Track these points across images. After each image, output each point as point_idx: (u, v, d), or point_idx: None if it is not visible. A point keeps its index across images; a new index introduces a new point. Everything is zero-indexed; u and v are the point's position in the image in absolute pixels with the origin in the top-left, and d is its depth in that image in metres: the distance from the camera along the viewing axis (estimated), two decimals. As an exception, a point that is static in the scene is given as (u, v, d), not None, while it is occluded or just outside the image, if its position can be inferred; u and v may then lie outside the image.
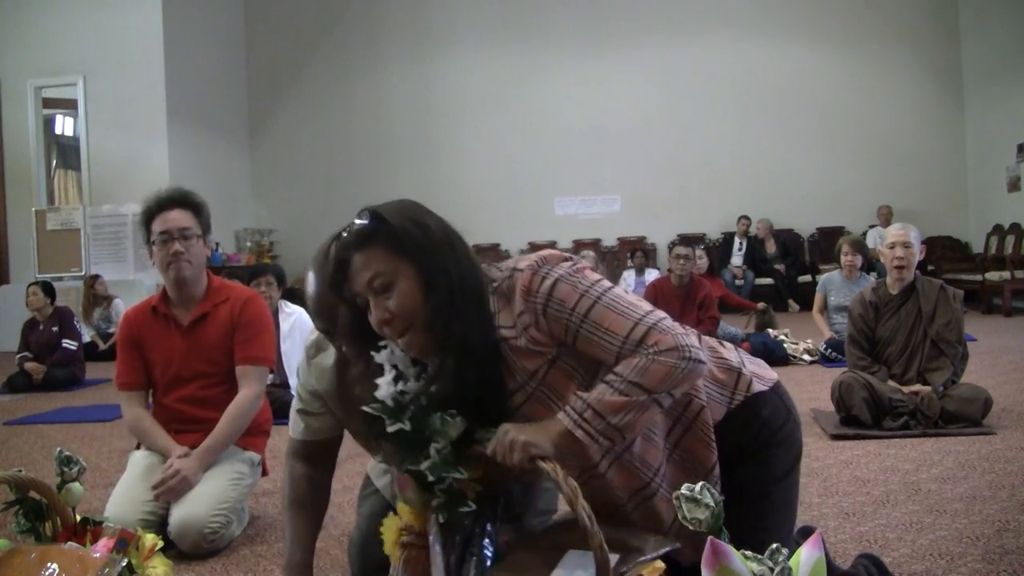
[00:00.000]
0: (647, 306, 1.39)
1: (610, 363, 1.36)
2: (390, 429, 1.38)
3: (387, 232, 1.38)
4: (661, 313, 1.38)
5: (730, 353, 1.59)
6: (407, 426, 1.38)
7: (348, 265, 1.40)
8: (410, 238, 1.38)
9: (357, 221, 1.41)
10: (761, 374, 1.58)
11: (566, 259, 1.42)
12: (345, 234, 1.41)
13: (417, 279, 1.38)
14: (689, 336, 1.36)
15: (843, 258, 5.71)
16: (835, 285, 5.72)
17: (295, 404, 1.87)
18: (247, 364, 2.54)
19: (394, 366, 1.42)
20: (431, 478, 1.37)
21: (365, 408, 1.41)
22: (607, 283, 1.41)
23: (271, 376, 4.09)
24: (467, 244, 1.48)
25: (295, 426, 1.87)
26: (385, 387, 1.40)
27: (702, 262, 8.57)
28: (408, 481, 1.43)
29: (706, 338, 1.58)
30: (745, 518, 1.42)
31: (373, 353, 1.42)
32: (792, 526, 1.55)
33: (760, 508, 1.51)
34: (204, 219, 2.54)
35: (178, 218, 2.48)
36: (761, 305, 6.85)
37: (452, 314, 1.37)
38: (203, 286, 2.59)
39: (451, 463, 1.38)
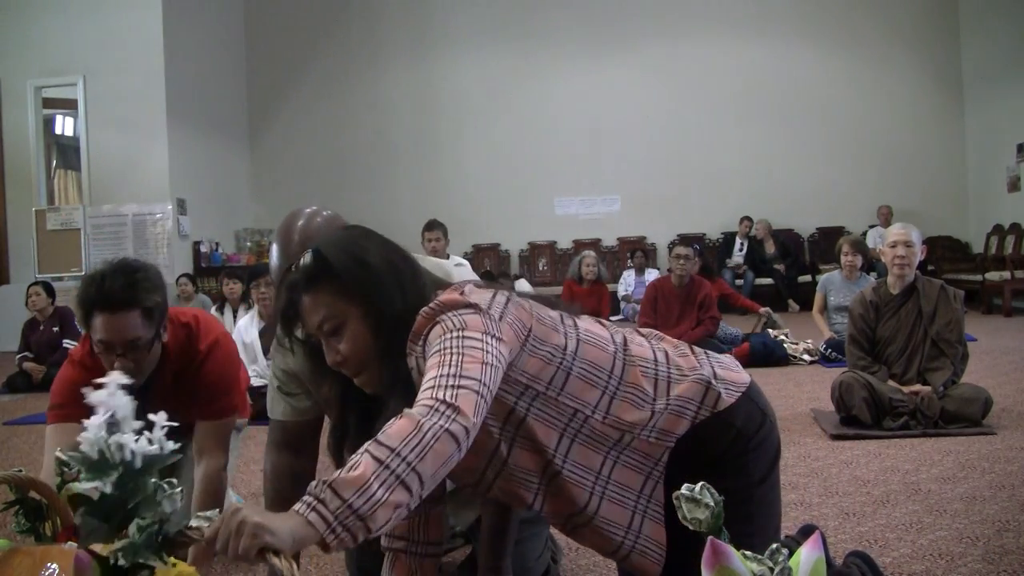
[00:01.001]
0: (476, 373, 1.19)
1: None
2: (82, 487, 1.09)
3: (331, 272, 1.34)
4: (474, 384, 1.18)
5: (700, 360, 1.50)
6: (108, 488, 1.09)
7: (298, 305, 1.36)
8: (353, 279, 1.33)
9: (303, 260, 1.36)
10: (732, 379, 1.49)
11: (468, 306, 1.29)
12: (293, 271, 1.37)
13: (365, 319, 1.33)
14: (465, 404, 1.15)
15: (843, 258, 5.71)
16: (835, 285, 5.72)
17: (273, 384, 1.83)
18: (208, 420, 2.09)
19: (111, 411, 1.15)
20: (122, 562, 1.07)
21: (58, 454, 1.16)
22: (480, 344, 1.23)
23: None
24: (414, 264, 1.41)
25: (276, 407, 1.82)
26: (93, 432, 1.11)
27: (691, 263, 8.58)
28: (88, 565, 1.08)
29: (672, 346, 1.52)
30: (729, 525, 1.39)
31: (87, 392, 1.18)
32: (778, 522, 1.51)
33: (745, 512, 1.43)
34: (158, 317, 1.96)
35: (123, 328, 1.88)
36: (764, 310, 6.85)
37: (400, 352, 1.31)
38: (154, 362, 2.05)
39: (156, 548, 1.09)
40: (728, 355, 1.59)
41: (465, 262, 6.15)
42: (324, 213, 1.81)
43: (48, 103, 9.79)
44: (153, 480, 1.11)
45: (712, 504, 1.11)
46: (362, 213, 12.52)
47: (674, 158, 11.00)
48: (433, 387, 1.17)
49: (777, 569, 1.06)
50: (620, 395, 1.39)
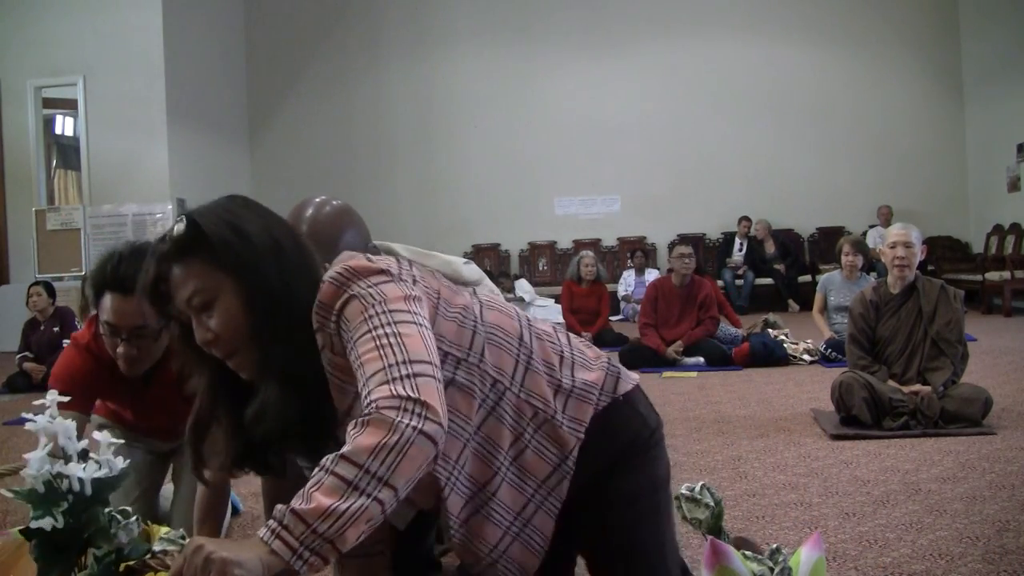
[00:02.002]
0: (424, 354, 1.13)
1: None
2: (34, 524, 1.04)
3: (205, 242, 1.22)
4: (428, 368, 1.11)
5: (598, 350, 1.45)
6: (59, 522, 1.04)
7: (167, 278, 1.24)
8: (228, 248, 1.21)
9: (176, 228, 1.24)
10: (626, 375, 1.45)
11: (380, 271, 1.21)
12: (163, 242, 1.25)
13: (239, 294, 1.21)
14: (431, 397, 1.08)
15: (844, 258, 5.71)
16: (835, 285, 5.72)
17: None
18: None
19: (51, 438, 1.10)
20: None
21: (8, 490, 1.09)
22: (408, 315, 1.17)
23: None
24: (303, 247, 1.30)
25: None
26: (35, 464, 1.06)
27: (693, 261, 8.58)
28: None
29: (574, 335, 1.46)
30: (644, 523, 1.34)
31: (29, 417, 1.14)
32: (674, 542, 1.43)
33: (654, 505, 1.38)
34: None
35: (133, 312, 1.87)
36: (768, 318, 6.85)
37: (273, 334, 1.20)
38: (159, 354, 2.04)
39: None
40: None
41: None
42: (334, 203, 1.74)
43: (48, 103, 9.79)
44: (107, 510, 1.05)
45: (712, 504, 1.11)
46: (362, 212, 12.53)
47: (674, 158, 11.00)
48: (388, 380, 1.08)
49: (777, 569, 1.06)
50: (532, 367, 1.33)
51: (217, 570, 0.97)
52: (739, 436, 3.57)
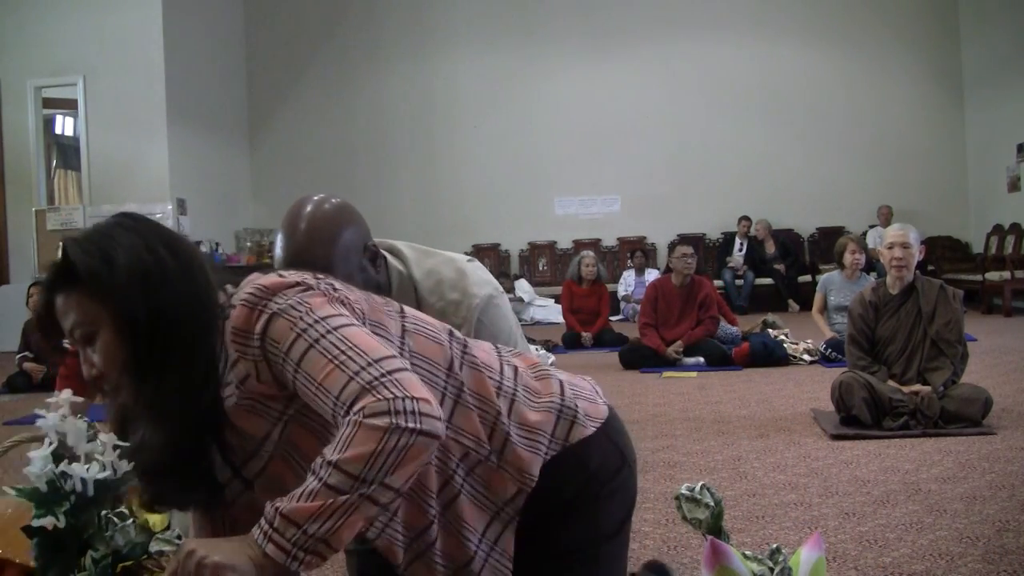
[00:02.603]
0: (383, 350, 1.07)
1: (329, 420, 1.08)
2: (36, 522, 1.05)
3: (76, 273, 1.12)
4: (397, 362, 1.06)
5: (554, 384, 1.30)
6: (61, 522, 1.04)
7: (52, 308, 1.15)
8: (95, 278, 1.10)
9: (59, 254, 1.15)
10: (590, 411, 1.30)
11: (296, 284, 1.12)
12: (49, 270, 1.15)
13: (116, 328, 1.11)
14: (418, 391, 1.02)
15: (849, 256, 5.70)
16: (835, 285, 5.72)
17: None
18: None
19: (60, 436, 1.09)
20: None
21: (11, 488, 1.09)
22: (344, 318, 1.10)
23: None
24: (192, 270, 1.15)
25: None
26: (39, 464, 1.06)
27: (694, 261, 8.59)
28: None
29: (527, 365, 1.33)
30: None
31: (39, 415, 1.10)
32: None
33: (589, 571, 1.28)
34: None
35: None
36: (767, 319, 6.85)
37: (144, 368, 1.10)
38: None
39: None
40: (588, 380, 1.39)
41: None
42: (333, 200, 1.69)
43: (48, 103, 9.79)
44: (104, 512, 1.04)
45: (712, 504, 1.12)
46: (362, 212, 12.54)
47: (674, 158, 11.01)
48: (366, 388, 1.01)
49: (777, 569, 1.06)
50: (462, 401, 1.20)
51: (211, 574, 0.95)
52: (739, 436, 3.57)
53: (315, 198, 1.68)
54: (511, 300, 9.99)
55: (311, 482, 1.00)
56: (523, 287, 10.35)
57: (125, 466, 1.10)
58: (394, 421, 0.99)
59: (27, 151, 9.57)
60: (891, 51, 10.79)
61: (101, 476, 1.07)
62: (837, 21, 10.86)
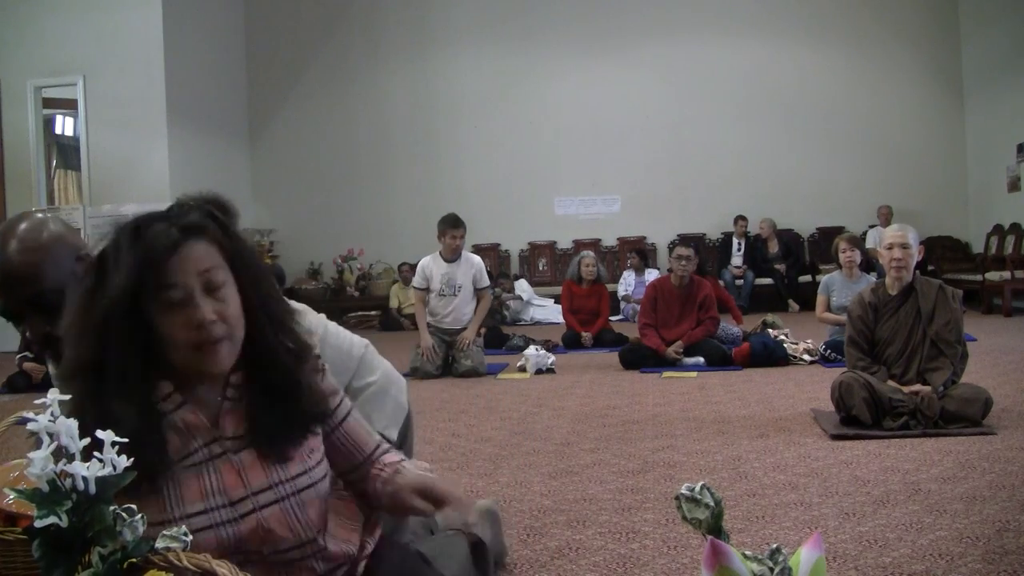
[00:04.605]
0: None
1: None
2: (40, 523, 1.03)
3: (223, 234, 1.30)
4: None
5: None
6: (63, 521, 1.03)
7: (175, 250, 1.25)
8: (243, 250, 1.32)
9: (191, 211, 1.31)
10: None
11: None
12: (169, 219, 1.30)
13: (236, 288, 1.30)
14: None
15: (841, 255, 5.72)
16: (836, 286, 5.72)
17: None
18: None
19: (53, 436, 1.08)
20: None
21: (11, 490, 1.11)
22: None
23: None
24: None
25: None
26: (40, 464, 1.05)
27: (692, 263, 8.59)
28: None
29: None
30: None
31: (28, 415, 1.13)
32: None
33: None
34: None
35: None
36: (767, 319, 6.85)
37: (276, 331, 1.32)
38: None
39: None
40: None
41: (478, 259, 6.10)
42: (45, 215, 1.75)
43: (48, 103, 9.79)
44: (112, 507, 1.05)
45: (712, 504, 1.11)
46: (362, 212, 12.56)
47: (674, 158, 11.01)
48: None
49: (777, 569, 1.06)
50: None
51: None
52: (739, 436, 3.57)
53: (27, 214, 1.76)
54: (512, 299, 10.01)
55: None
56: (522, 287, 10.35)
57: (124, 462, 1.10)
58: None
59: (27, 151, 9.56)
60: (891, 51, 10.79)
61: (102, 473, 1.07)
62: (837, 21, 10.86)
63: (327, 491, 1.35)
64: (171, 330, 1.23)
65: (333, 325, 2.13)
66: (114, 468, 1.09)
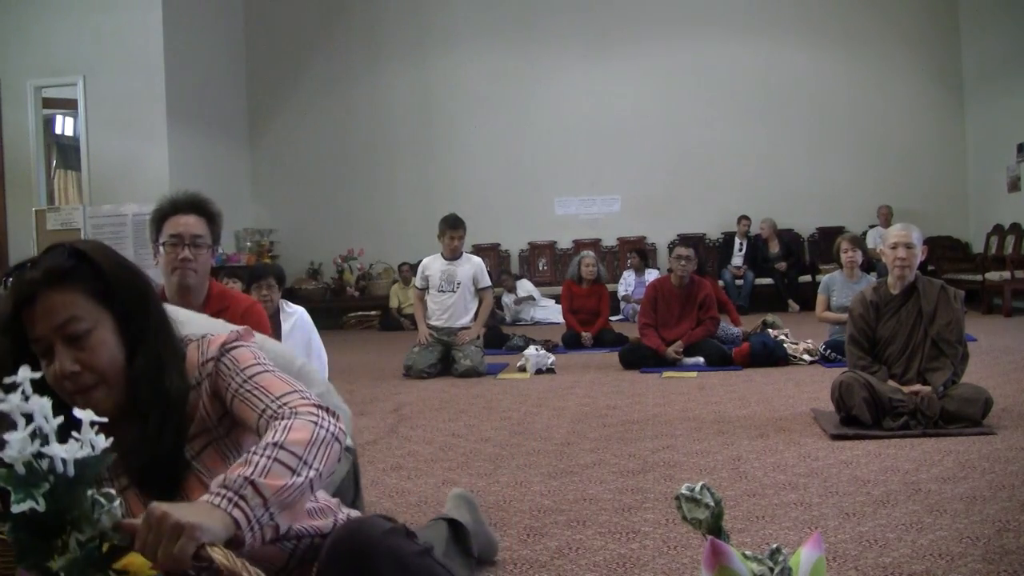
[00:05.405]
0: (302, 386, 1.31)
1: (252, 425, 1.25)
2: (16, 508, 0.99)
3: (91, 274, 1.24)
4: (310, 393, 1.29)
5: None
6: (40, 505, 1.00)
7: (33, 303, 1.21)
8: (120, 284, 1.26)
9: (52, 255, 1.25)
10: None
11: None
12: (31, 266, 1.24)
13: (118, 331, 1.26)
14: (329, 411, 1.25)
15: (843, 255, 5.71)
16: (837, 286, 5.72)
17: None
18: None
19: (27, 416, 1.04)
20: None
21: None
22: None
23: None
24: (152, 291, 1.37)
25: None
26: (17, 445, 1.01)
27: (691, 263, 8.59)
28: None
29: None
30: None
31: None
32: None
33: None
34: (216, 229, 2.54)
35: (192, 224, 2.45)
36: (766, 319, 6.85)
37: (161, 368, 1.26)
38: (203, 294, 2.55)
39: (99, 563, 1.02)
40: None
41: (479, 259, 6.11)
42: None
43: (48, 103, 9.78)
44: (90, 492, 1.03)
45: (712, 504, 1.11)
46: (362, 213, 12.55)
47: (674, 158, 11.00)
48: (301, 397, 1.24)
49: (777, 569, 1.06)
50: None
51: (188, 534, 1.00)
52: (739, 436, 3.57)
53: None
54: (521, 300, 10.02)
55: (258, 460, 1.11)
56: (525, 287, 10.34)
57: (103, 442, 1.07)
58: (319, 421, 1.20)
59: (27, 151, 9.56)
60: (891, 51, 10.79)
61: (81, 455, 1.04)
62: (837, 21, 10.86)
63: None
64: (48, 380, 1.22)
65: (272, 343, 2.10)
66: (93, 449, 1.06)
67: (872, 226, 10.16)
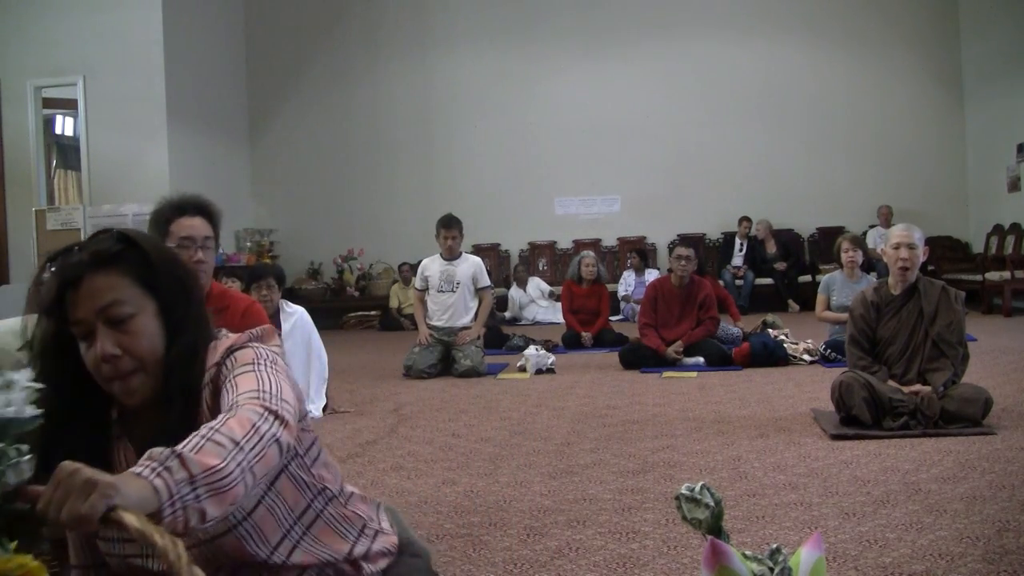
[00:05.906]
0: (292, 395, 1.24)
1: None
2: None
3: (138, 259, 1.25)
4: (296, 403, 1.24)
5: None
6: None
7: (78, 285, 1.21)
8: (165, 272, 1.26)
9: (99, 239, 1.25)
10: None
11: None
12: (78, 249, 1.24)
13: (160, 318, 1.25)
14: (290, 422, 1.17)
15: (844, 255, 5.71)
16: (836, 285, 5.72)
17: None
18: None
19: None
20: None
21: None
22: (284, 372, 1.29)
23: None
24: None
25: None
26: None
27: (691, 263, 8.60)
28: None
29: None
30: None
31: None
32: None
33: None
34: (219, 230, 2.58)
35: (200, 226, 2.49)
36: (766, 319, 6.85)
37: (193, 361, 1.26)
38: (204, 295, 2.58)
39: None
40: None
41: (478, 258, 6.11)
42: None
43: (48, 103, 9.79)
44: (3, 442, 0.95)
45: (712, 504, 1.11)
46: (362, 213, 12.55)
47: (674, 158, 11.00)
48: (258, 397, 1.16)
49: (777, 569, 1.06)
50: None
51: (100, 491, 0.91)
52: (739, 436, 3.57)
53: None
54: (541, 299, 10.03)
55: (195, 440, 1.04)
56: (540, 286, 10.33)
57: (33, 411, 1.03)
58: (261, 421, 1.11)
59: (27, 151, 9.56)
60: (891, 51, 10.79)
61: (5, 413, 0.99)
62: (837, 21, 10.86)
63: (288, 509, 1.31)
64: (86, 363, 1.21)
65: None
66: (19, 411, 1.01)
67: (872, 226, 10.16)
